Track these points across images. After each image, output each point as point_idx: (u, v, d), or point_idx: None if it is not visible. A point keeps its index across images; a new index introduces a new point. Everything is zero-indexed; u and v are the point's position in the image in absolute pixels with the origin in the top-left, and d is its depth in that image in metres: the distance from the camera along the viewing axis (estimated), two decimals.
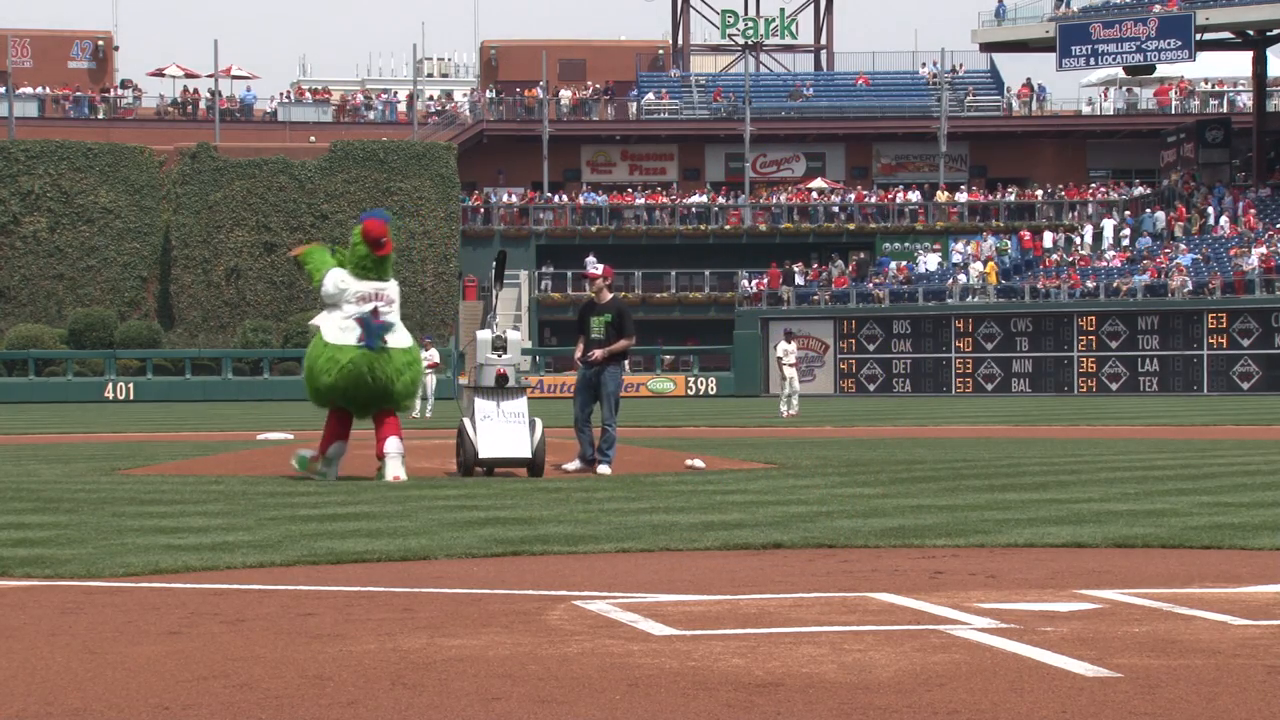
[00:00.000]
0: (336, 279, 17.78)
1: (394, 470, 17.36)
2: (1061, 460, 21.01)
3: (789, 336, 43.66)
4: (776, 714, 5.98)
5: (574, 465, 18.84)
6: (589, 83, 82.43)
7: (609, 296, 19.09)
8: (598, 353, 18.69)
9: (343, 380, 17.44)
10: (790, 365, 41.64)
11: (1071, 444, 25.94)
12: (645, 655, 7.09)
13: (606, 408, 18.66)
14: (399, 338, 17.85)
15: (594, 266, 19.17)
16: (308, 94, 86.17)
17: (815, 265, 71.06)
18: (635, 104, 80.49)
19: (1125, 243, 66.66)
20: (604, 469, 18.55)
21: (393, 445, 17.45)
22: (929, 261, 68.82)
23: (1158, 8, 66.04)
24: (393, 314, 17.82)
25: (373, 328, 17.56)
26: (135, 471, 19.84)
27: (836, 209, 76.35)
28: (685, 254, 74.80)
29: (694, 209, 76.26)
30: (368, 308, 17.65)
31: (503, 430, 18.00)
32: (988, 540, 11.58)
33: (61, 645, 7.48)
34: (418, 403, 43.78)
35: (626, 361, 19.25)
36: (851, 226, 75.66)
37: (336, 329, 17.66)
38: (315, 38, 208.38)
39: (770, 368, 60.57)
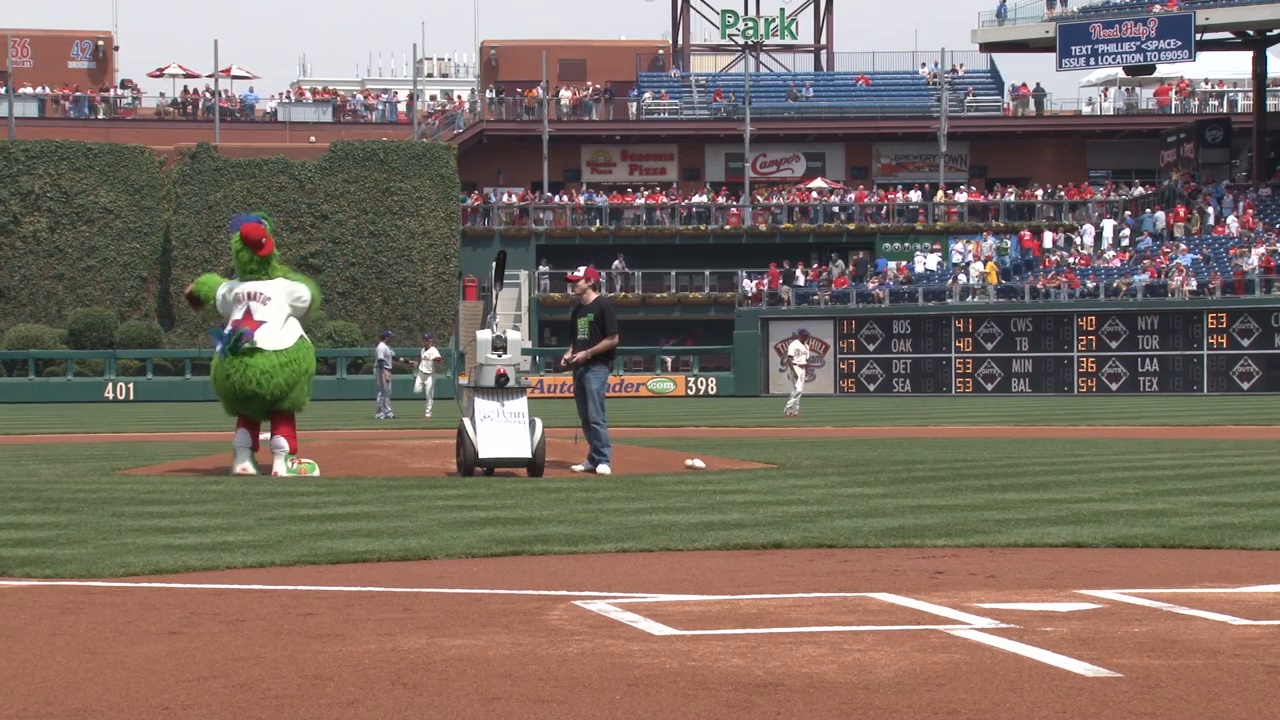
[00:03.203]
0: (222, 292, 18.65)
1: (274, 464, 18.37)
2: (1061, 460, 20.99)
3: (803, 337, 43.73)
4: (776, 714, 5.98)
5: (581, 466, 18.87)
6: (589, 83, 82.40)
7: (593, 297, 19.18)
8: (580, 354, 18.79)
9: (223, 389, 18.39)
10: (801, 366, 41.82)
11: (1071, 444, 25.92)
12: (645, 655, 7.09)
13: (592, 406, 18.70)
14: (271, 338, 18.27)
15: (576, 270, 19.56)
16: (308, 94, 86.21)
17: (815, 265, 71.05)
18: (635, 104, 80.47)
19: (1125, 243, 66.65)
20: (604, 469, 18.57)
21: (275, 442, 18.39)
22: (929, 261, 68.80)
23: (1158, 8, 66.03)
24: (268, 312, 18.33)
25: (223, 337, 18.25)
26: (135, 471, 19.83)
27: (836, 209, 76.34)
28: (685, 254, 74.77)
29: (694, 209, 76.25)
30: (240, 308, 18.24)
31: (503, 430, 18.00)
32: (988, 540, 11.58)
33: (61, 645, 7.48)
34: (428, 403, 43.76)
35: (610, 361, 19.28)
36: (851, 226, 75.65)
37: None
38: (315, 38, 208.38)
39: (771, 368, 60.65)
